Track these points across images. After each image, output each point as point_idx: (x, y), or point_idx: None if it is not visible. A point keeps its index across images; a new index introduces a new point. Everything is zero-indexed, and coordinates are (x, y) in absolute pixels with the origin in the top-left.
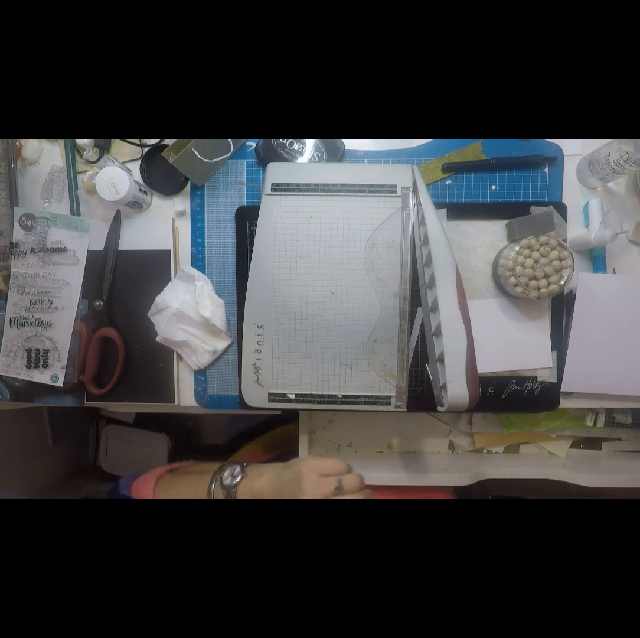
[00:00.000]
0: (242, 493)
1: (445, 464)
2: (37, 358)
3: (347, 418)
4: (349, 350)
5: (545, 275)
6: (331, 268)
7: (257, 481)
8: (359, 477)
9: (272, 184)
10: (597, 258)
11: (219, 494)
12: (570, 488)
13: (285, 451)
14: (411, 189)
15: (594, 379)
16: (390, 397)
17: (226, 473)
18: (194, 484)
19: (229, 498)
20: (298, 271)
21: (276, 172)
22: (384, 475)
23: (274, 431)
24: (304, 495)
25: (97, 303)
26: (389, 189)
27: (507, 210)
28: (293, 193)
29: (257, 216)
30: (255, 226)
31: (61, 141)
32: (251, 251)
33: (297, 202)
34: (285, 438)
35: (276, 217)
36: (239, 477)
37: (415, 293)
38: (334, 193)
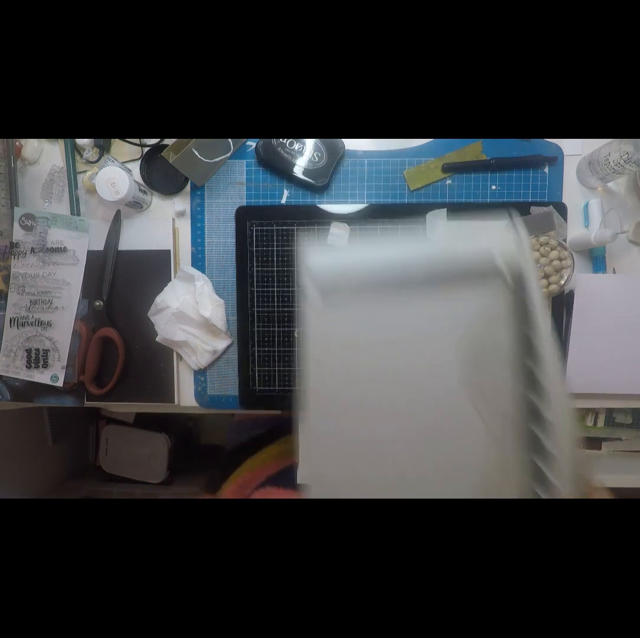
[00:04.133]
0: None
1: None
2: (37, 358)
3: None
4: None
5: (545, 275)
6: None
7: None
8: None
9: (323, 296)
10: (597, 258)
11: None
12: None
13: (289, 463)
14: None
15: (594, 379)
16: None
17: None
18: None
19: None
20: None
21: (320, 275)
22: None
23: (273, 445)
24: None
25: (97, 303)
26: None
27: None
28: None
29: (257, 217)
30: (256, 226)
31: (61, 141)
32: (251, 251)
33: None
34: (286, 451)
35: (330, 335)
36: None
37: None
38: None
